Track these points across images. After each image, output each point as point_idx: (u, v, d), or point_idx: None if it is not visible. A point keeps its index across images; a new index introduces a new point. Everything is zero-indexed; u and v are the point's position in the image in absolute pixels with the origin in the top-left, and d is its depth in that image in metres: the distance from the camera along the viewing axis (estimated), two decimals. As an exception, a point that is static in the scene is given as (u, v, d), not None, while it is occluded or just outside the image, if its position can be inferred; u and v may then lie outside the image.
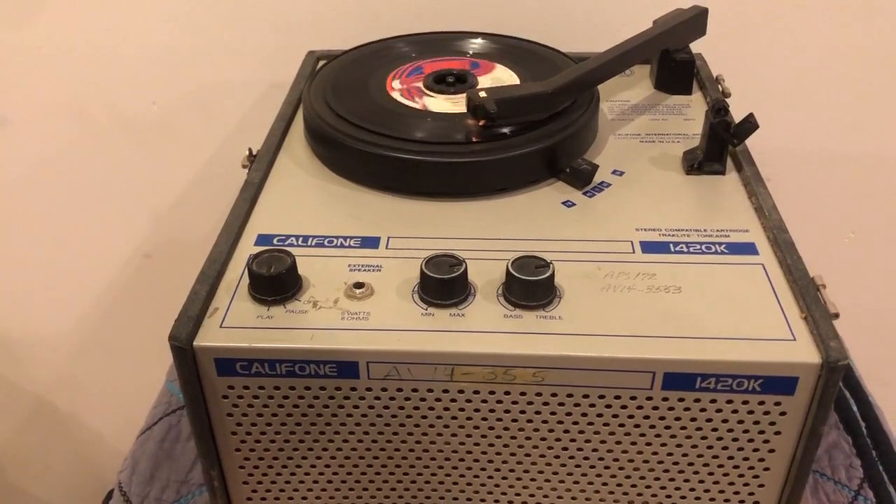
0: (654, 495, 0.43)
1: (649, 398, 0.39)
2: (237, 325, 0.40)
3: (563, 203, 0.48)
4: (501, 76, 0.57)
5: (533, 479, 0.43)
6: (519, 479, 0.43)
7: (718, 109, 0.49)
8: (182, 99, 0.78)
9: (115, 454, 1.06)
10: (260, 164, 0.51)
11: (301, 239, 0.45)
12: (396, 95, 0.54)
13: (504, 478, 0.43)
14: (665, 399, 0.39)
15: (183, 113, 0.79)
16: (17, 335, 0.96)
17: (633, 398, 0.39)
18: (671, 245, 0.45)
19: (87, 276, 0.90)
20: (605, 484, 0.43)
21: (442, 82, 0.55)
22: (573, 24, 0.72)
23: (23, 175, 0.83)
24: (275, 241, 0.45)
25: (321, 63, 0.64)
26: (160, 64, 0.76)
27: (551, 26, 0.72)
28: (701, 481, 0.42)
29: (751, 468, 0.41)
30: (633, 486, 0.43)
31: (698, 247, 0.44)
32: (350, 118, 0.51)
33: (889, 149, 0.78)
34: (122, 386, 0.98)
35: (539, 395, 0.40)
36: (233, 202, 0.48)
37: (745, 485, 0.42)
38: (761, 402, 0.39)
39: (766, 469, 0.41)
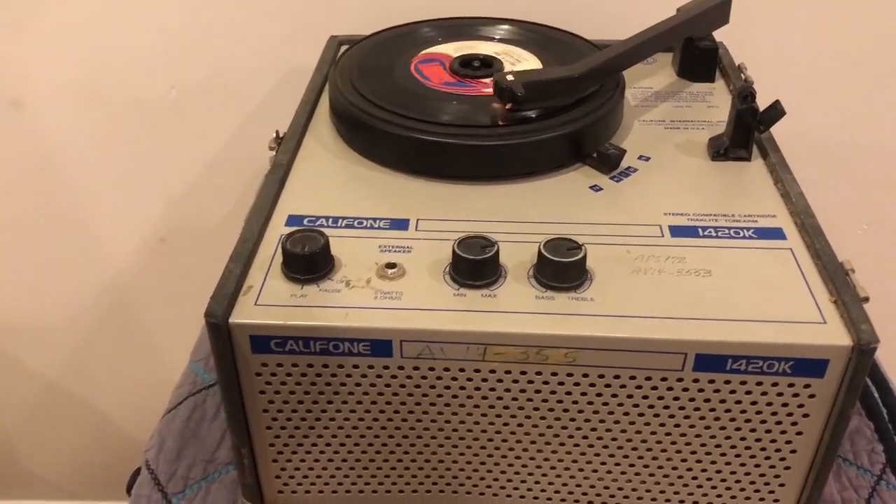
0: (680, 476, 0.43)
1: (680, 379, 0.39)
2: (272, 302, 0.40)
3: (591, 187, 0.49)
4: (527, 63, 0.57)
5: (561, 460, 0.44)
6: (547, 459, 0.44)
7: (745, 96, 0.49)
8: (200, 83, 0.78)
9: (127, 438, 1.06)
10: (287, 147, 0.52)
11: (331, 220, 0.46)
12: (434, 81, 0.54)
13: (532, 458, 0.44)
14: (696, 380, 0.39)
15: (201, 97, 0.79)
16: (30, 319, 0.96)
17: (663, 379, 0.40)
18: (699, 229, 0.45)
19: (102, 260, 0.90)
20: (632, 465, 0.43)
21: (468, 66, 0.55)
22: (594, 12, 0.72)
23: (38, 158, 0.83)
24: (305, 222, 0.45)
25: (343, 48, 0.64)
26: (178, 48, 0.76)
27: (573, 14, 0.72)
28: (728, 463, 0.42)
29: (778, 450, 0.42)
30: (660, 467, 0.43)
31: (727, 231, 0.45)
32: (377, 101, 0.51)
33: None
34: (135, 369, 0.99)
35: (570, 375, 0.40)
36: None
37: (772, 467, 0.42)
38: (791, 385, 0.39)
39: (793, 451, 0.42)
